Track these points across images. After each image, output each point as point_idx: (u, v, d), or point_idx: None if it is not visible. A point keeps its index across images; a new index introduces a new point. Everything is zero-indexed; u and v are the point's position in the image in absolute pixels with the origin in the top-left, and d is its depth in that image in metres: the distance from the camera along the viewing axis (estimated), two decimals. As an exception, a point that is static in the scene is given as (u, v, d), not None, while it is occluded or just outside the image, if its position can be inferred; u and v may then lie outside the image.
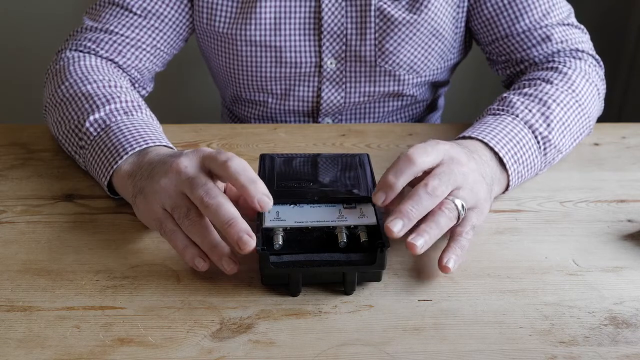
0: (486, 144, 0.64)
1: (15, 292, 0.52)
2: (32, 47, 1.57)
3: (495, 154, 0.63)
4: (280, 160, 0.62)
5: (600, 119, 0.80)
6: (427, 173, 0.56)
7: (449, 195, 0.55)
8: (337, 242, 0.52)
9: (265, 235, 0.52)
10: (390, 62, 0.87)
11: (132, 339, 0.48)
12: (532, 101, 0.70)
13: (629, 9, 1.70)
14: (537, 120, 0.68)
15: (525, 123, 0.67)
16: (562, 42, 0.80)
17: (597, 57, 0.82)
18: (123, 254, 0.57)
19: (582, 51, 0.81)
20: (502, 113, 0.69)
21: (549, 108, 0.69)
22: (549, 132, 0.68)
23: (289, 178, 0.59)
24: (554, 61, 0.79)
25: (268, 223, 0.53)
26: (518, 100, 0.70)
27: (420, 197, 0.53)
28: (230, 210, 0.51)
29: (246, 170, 0.53)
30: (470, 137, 0.65)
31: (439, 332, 0.49)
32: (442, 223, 0.53)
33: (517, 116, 0.68)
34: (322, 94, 0.89)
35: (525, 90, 0.73)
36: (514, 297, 0.53)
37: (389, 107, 0.93)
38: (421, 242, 0.52)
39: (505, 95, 0.72)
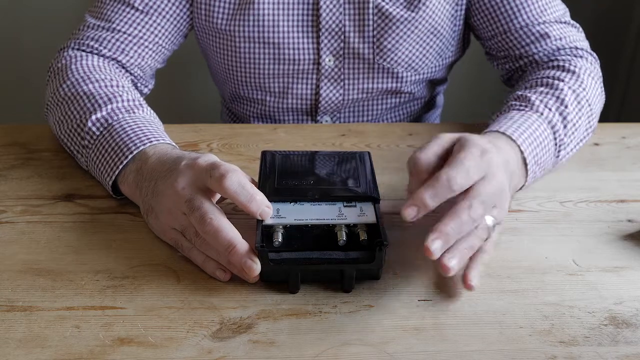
0: (514, 141, 0.63)
1: (15, 292, 0.52)
2: (33, 46, 1.57)
3: (521, 152, 0.63)
4: (281, 157, 0.63)
5: (601, 119, 0.80)
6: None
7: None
8: (337, 240, 0.52)
9: (265, 233, 0.52)
10: (388, 59, 0.87)
11: (132, 339, 0.48)
12: (550, 99, 0.70)
13: (629, 9, 1.70)
14: (557, 122, 0.69)
15: (548, 123, 0.68)
16: (560, 39, 0.81)
17: (593, 54, 0.83)
18: (123, 254, 0.57)
19: (582, 49, 0.81)
20: (526, 110, 0.69)
21: (566, 108, 0.70)
22: (565, 134, 0.69)
23: (289, 175, 0.59)
24: (557, 59, 0.80)
25: (268, 220, 0.53)
26: (537, 99, 0.70)
27: (462, 220, 0.51)
28: (228, 234, 0.52)
29: (244, 188, 0.53)
30: (500, 132, 0.64)
31: (439, 332, 0.49)
32: (475, 245, 0.53)
33: (541, 114, 0.68)
34: (321, 92, 0.89)
35: (542, 89, 0.73)
36: (514, 297, 0.53)
37: (387, 104, 0.93)
38: (455, 264, 0.51)
39: (520, 93, 0.72)
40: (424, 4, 0.83)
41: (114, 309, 0.51)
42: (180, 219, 0.55)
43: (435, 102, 1.03)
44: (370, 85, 0.90)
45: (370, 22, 0.84)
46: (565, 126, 0.69)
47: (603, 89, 0.80)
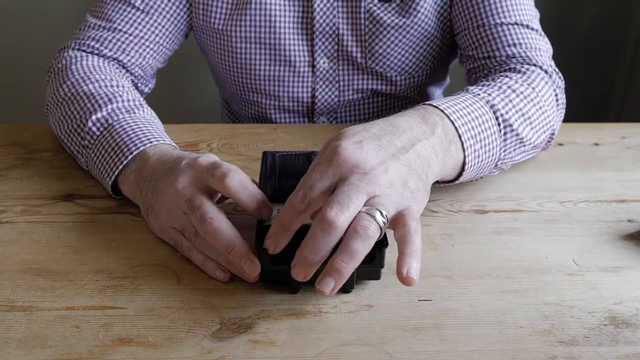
0: (436, 107, 0.57)
1: (15, 292, 0.52)
2: (32, 47, 1.57)
3: (447, 117, 0.57)
4: (282, 158, 0.63)
5: (600, 119, 0.80)
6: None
7: (365, 205, 0.47)
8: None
9: (265, 233, 0.52)
10: (380, 64, 0.87)
11: (132, 339, 0.48)
12: (491, 87, 0.66)
13: (629, 10, 1.70)
14: (498, 102, 0.63)
15: (486, 102, 0.62)
16: (515, 45, 0.77)
17: (552, 67, 0.76)
18: (123, 254, 0.57)
19: (535, 64, 0.75)
20: (460, 92, 0.64)
21: (507, 96, 0.65)
22: (510, 117, 0.63)
23: (289, 176, 0.59)
24: (509, 66, 0.75)
25: (268, 221, 0.53)
26: (476, 87, 0.66)
27: (316, 238, 0.46)
28: (228, 234, 0.51)
29: (246, 187, 0.53)
30: (420, 105, 0.58)
31: (439, 332, 0.49)
32: (357, 249, 0.45)
33: (477, 95, 0.63)
34: (317, 94, 0.90)
35: (483, 82, 0.69)
36: (514, 297, 0.53)
37: (384, 104, 0.93)
38: (330, 286, 0.45)
39: (462, 89, 0.68)
40: (415, 9, 0.83)
41: (114, 309, 0.50)
42: (181, 218, 0.55)
43: None
44: (365, 87, 0.90)
45: (362, 27, 0.84)
46: (507, 111, 0.62)
47: (561, 104, 0.75)
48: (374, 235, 0.46)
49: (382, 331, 0.49)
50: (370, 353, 0.47)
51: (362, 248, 0.45)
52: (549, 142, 0.73)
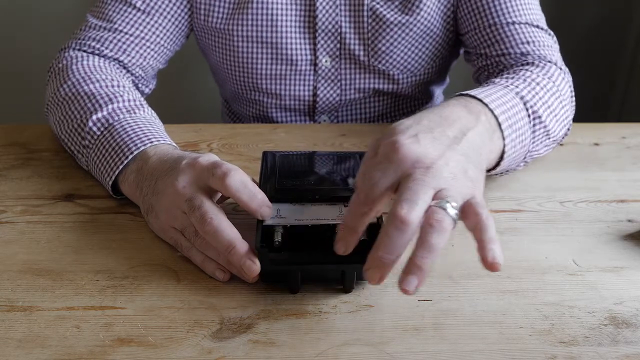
0: (475, 97, 0.58)
1: (15, 292, 0.52)
2: (32, 47, 1.57)
3: (491, 112, 0.58)
4: (282, 157, 0.63)
5: (600, 119, 0.80)
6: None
7: (433, 199, 0.46)
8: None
9: (265, 233, 0.53)
10: (383, 62, 0.87)
11: (132, 339, 0.48)
12: (517, 80, 0.67)
13: (629, 10, 1.70)
14: (526, 94, 0.64)
15: (516, 94, 0.63)
16: (528, 43, 0.78)
17: (563, 65, 0.78)
18: (123, 254, 0.57)
19: (549, 61, 0.77)
20: (488, 85, 0.64)
21: (533, 89, 0.66)
22: (538, 108, 0.65)
23: (290, 176, 0.59)
24: (523, 63, 0.76)
25: (268, 220, 0.53)
26: (501, 79, 0.67)
27: (390, 237, 0.44)
28: (228, 234, 0.52)
29: (246, 186, 0.53)
30: (459, 95, 0.59)
31: (439, 332, 0.49)
32: (435, 243, 0.44)
33: (507, 86, 0.64)
34: (318, 92, 0.90)
35: (505, 74, 0.70)
36: (514, 297, 0.53)
37: (385, 104, 0.93)
38: (414, 284, 0.44)
39: (487, 81, 0.69)
40: (418, 6, 0.83)
41: (114, 309, 0.51)
42: (180, 218, 0.55)
43: (436, 101, 1.03)
44: (367, 86, 0.90)
45: (365, 25, 0.85)
46: (535, 103, 0.64)
47: (573, 97, 0.76)
48: (448, 228, 0.45)
49: (382, 331, 0.49)
50: (370, 353, 0.47)
51: (439, 241, 0.44)
52: (564, 136, 0.74)
